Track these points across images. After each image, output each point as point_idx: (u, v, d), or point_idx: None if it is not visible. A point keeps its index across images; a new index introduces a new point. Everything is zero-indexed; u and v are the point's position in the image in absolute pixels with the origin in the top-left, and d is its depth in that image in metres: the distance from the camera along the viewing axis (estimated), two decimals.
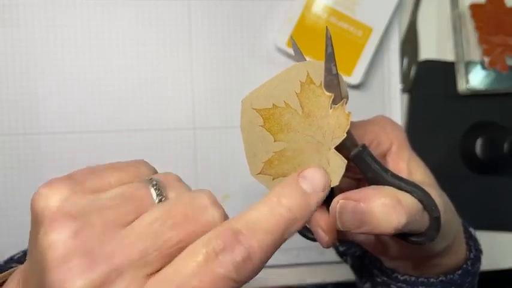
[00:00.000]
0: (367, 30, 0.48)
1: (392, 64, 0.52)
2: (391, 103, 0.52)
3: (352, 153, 0.26)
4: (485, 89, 0.52)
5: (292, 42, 0.28)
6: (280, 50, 0.49)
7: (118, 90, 0.48)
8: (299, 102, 0.25)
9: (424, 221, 0.26)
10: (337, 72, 0.25)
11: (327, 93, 0.25)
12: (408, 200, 0.25)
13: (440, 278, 0.32)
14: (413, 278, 0.32)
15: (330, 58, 0.25)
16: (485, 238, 0.54)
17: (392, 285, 0.33)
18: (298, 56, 0.27)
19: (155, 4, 0.48)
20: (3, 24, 0.46)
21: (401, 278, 0.33)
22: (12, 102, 0.46)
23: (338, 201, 0.25)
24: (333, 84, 0.25)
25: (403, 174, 0.29)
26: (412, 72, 0.52)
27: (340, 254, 0.39)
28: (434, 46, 0.53)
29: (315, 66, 0.25)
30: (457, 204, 0.54)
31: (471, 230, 0.35)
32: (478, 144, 0.51)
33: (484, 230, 0.54)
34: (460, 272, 0.32)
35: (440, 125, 0.53)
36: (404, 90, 0.52)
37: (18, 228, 0.46)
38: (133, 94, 0.48)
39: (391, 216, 0.24)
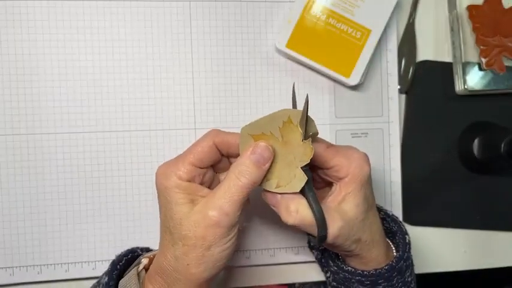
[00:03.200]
0: (366, 32, 0.49)
1: (391, 65, 0.52)
2: (389, 104, 0.52)
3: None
4: (483, 90, 0.52)
5: (293, 89, 0.38)
6: (280, 52, 0.49)
7: (119, 90, 0.48)
8: (280, 134, 0.37)
9: (314, 231, 0.37)
10: (306, 121, 0.36)
11: (300, 131, 0.37)
12: (305, 214, 0.37)
13: (371, 271, 0.41)
14: (352, 269, 0.42)
15: (304, 113, 0.36)
16: (483, 237, 0.55)
17: (340, 274, 0.43)
18: (294, 100, 0.39)
19: (156, 6, 0.49)
20: (6, 25, 0.47)
21: (346, 268, 0.43)
22: (15, 103, 0.47)
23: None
24: (303, 126, 0.36)
25: (338, 198, 0.39)
26: (410, 73, 0.53)
27: (310, 248, 0.50)
28: (431, 47, 0.54)
29: (295, 113, 0.36)
30: (455, 203, 0.55)
31: (407, 236, 0.44)
32: (476, 144, 0.52)
33: (481, 229, 0.54)
34: (386, 267, 0.41)
35: (438, 125, 0.53)
36: (402, 91, 0.53)
37: (20, 227, 0.47)
38: (134, 94, 0.48)
39: (287, 215, 0.37)
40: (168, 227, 0.37)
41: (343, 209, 0.39)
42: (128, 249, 0.44)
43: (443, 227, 0.54)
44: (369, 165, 0.40)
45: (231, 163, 0.41)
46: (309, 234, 0.40)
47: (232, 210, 0.35)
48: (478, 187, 0.54)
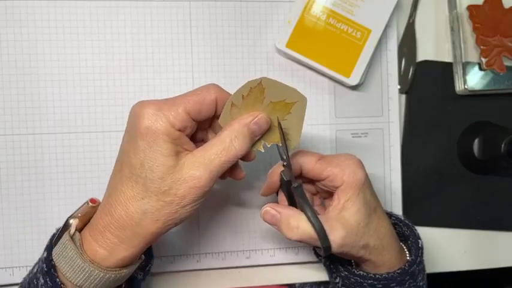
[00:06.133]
0: (366, 32, 0.49)
1: (391, 65, 0.52)
2: (389, 104, 0.52)
3: (292, 186, 0.39)
4: (483, 90, 0.52)
5: (278, 123, 0.38)
6: (280, 52, 0.49)
7: (119, 90, 0.48)
8: (271, 103, 0.38)
9: (318, 243, 0.38)
10: (285, 141, 0.38)
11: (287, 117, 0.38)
12: (305, 227, 0.38)
13: (383, 275, 0.41)
14: (364, 273, 0.42)
15: (281, 136, 0.38)
16: (483, 237, 0.55)
17: (351, 278, 0.43)
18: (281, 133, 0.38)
19: (156, 6, 0.49)
20: (6, 25, 0.47)
21: (357, 272, 0.42)
22: (15, 103, 0.47)
23: (266, 206, 0.40)
24: (284, 146, 0.38)
25: (338, 207, 0.39)
26: (410, 73, 0.53)
27: (317, 255, 0.49)
28: (432, 47, 0.54)
29: (304, 103, 0.38)
30: (455, 203, 0.55)
31: (420, 241, 0.43)
32: (476, 144, 0.52)
33: (481, 229, 0.54)
34: (399, 271, 0.41)
35: (438, 125, 0.53)
36: (402, 91, 0.53)
37: (20, 227, 0.47)
38: (134, 95, 0.48)
39: (289, 232, 0.38)
40: (142, 177, 0.33)
41: (344, 217, 0.39)
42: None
43: (443, 227, 0.54)
44: (363, 169, 0.40)
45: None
46: (315, 247, 0.41)
47: (217, 176, 0.34)
48: (478, 187, 0.54)
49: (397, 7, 0.51)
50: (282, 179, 0.40)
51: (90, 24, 0.48)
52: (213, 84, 0.36)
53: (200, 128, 0.39)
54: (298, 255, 0.51)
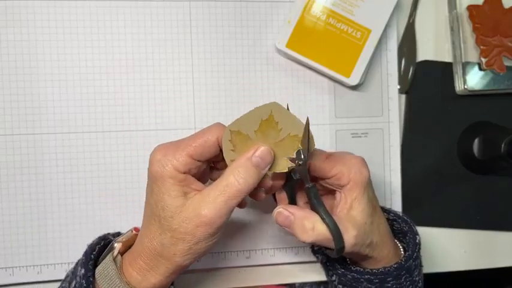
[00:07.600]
0: (366, 32, 0.49)
1: (391, 65, 0.52)
2: (389, 104, 0.52)
3: (305, 186, 0.39)
4: (483, 90, 0.52)
5: (307, 121, 0.37)
6: (280, 52, 0.49)
7: (119, 90, 0.48)
8: (259, 131, 0.37)
9: (331, 244, 0.38)
10: (308, 141, 0.37)
11: (279, 128, 0.37)
12: (321, 229, 0.38)
13: (380, 270, 0.41)
14: (361, 269, 0.42)
15: (306, 135, 0.37)
16: (483, 237, 0.55)
17: (348, 275, 0.43)
18: (307, 130, 0.37)
19: (156, 6, 0.49)
20: (6, 25, 0.47)
21: (354, 268, 0.43)
22: (15, 103, 0.47)
23: (279, 208, 0.39)
24: (305, 145, 0.37)
25: (346, 206, 0.40)
26: (410, 73, 0.53)
27: (314, 252, 0.50)
28: (432, 47, 0.54)
29: (277, 108, 0.37)
30: (455, 203, 0.55)
31: (417, 237, 0.44)
32: (476, 144, 0.52)
33: (481, 229, 0.54)
34: (395, 266, 0.41)
35: (438, 125, 0.53)
36: (402, 91, 0.53)
37: (20, 227, 0.47)
38: (134, 95, 0.48)
39: (304, 234, 0.38)
40: (157, 215, 0.37)
41: (352, 216, 0.39)
42: (99, 237, 0.43)
43: (443, 227, 0.54)
44: (367, 168, 0.40)
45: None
46: (326, 248, 0.41)
47: (226, 213, 0.35)
48: (478, 187, 0.54)
49: (397, 7, 0.51)
50: (289, 178, 0.40)
51: (90, 24, 0.48)
52: (217, 124, 0.38)
53: (216, 162, 0.41)
54: (298, 255, 0.51)
